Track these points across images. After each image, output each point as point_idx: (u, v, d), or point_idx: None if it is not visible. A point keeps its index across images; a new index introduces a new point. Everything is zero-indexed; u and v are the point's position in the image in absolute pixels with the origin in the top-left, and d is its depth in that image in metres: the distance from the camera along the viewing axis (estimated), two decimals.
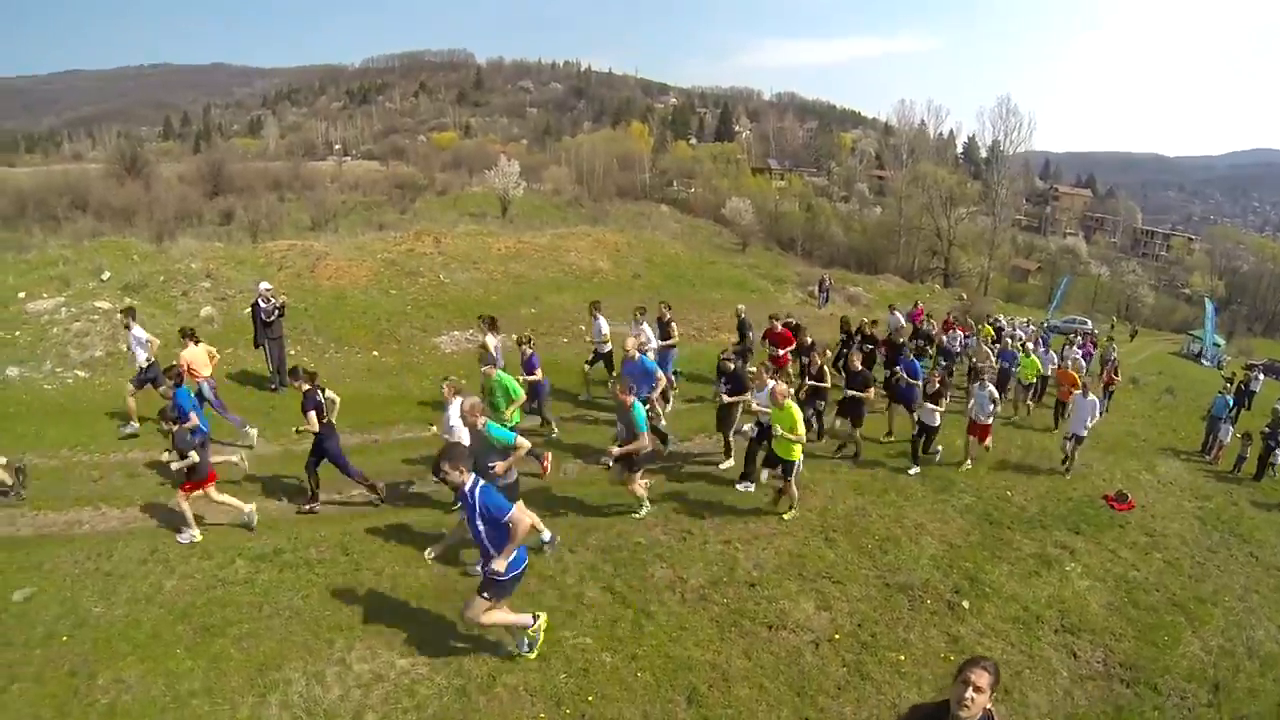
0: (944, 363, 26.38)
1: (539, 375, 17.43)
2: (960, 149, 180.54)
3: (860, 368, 18.28)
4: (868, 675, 10.28)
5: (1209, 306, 68.52)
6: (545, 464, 14.23)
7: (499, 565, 8.93)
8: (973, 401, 18.91)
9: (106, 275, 29.59)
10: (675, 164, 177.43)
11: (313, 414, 13.20)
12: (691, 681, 9.85)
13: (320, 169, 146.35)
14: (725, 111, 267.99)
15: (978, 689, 5.74)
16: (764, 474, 15.16)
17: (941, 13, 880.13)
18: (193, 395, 14.07)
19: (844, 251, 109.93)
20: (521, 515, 8.96)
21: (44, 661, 9.47)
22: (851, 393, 18.04)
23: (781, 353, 21.56)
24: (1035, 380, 24.90)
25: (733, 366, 16.37)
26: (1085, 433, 18.88)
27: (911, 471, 17.65)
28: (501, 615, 9.52)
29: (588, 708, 9.25)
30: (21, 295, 27.83)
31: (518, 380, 15.00)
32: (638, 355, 16.49)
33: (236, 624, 10.33)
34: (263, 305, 20.78)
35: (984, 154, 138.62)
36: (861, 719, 9.58)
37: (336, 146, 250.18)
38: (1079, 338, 35.22)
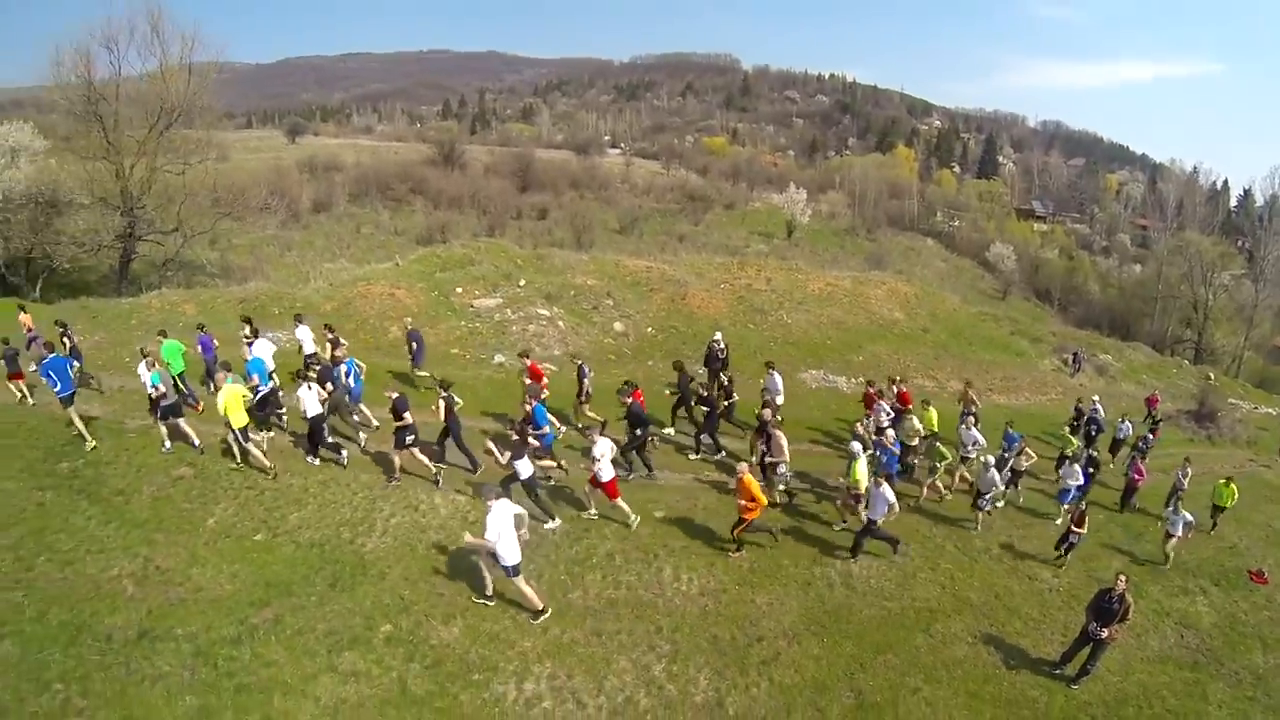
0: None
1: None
2: (1235, 202, 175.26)
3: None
4: (1073, 607, 18.58)
5: None
6: None
7: None
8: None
9: (523, 282, 38.79)
10: (940, 194, 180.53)
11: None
12: (998, 591, 19.39)
13: (608, 167, 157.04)
14: (990, 140, 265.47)
15: (1121, 578, 15.87)
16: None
17: (1222, 34, 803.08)
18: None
19: (1098, 310, 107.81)
20: None
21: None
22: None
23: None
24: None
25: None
26: None
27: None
28: None
29: (957, 589, 18.99)
30: (459, 290, 37.61)
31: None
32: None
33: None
34: (716, 348, 28.82)
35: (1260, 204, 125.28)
36: (1072, 621, 17.74)
37: (606, 138, 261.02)
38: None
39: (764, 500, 18.36)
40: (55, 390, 20.48)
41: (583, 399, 25.29)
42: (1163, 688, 16.67)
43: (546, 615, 15.99)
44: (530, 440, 19.73)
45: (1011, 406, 36.12)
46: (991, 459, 22.48)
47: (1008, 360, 42.96)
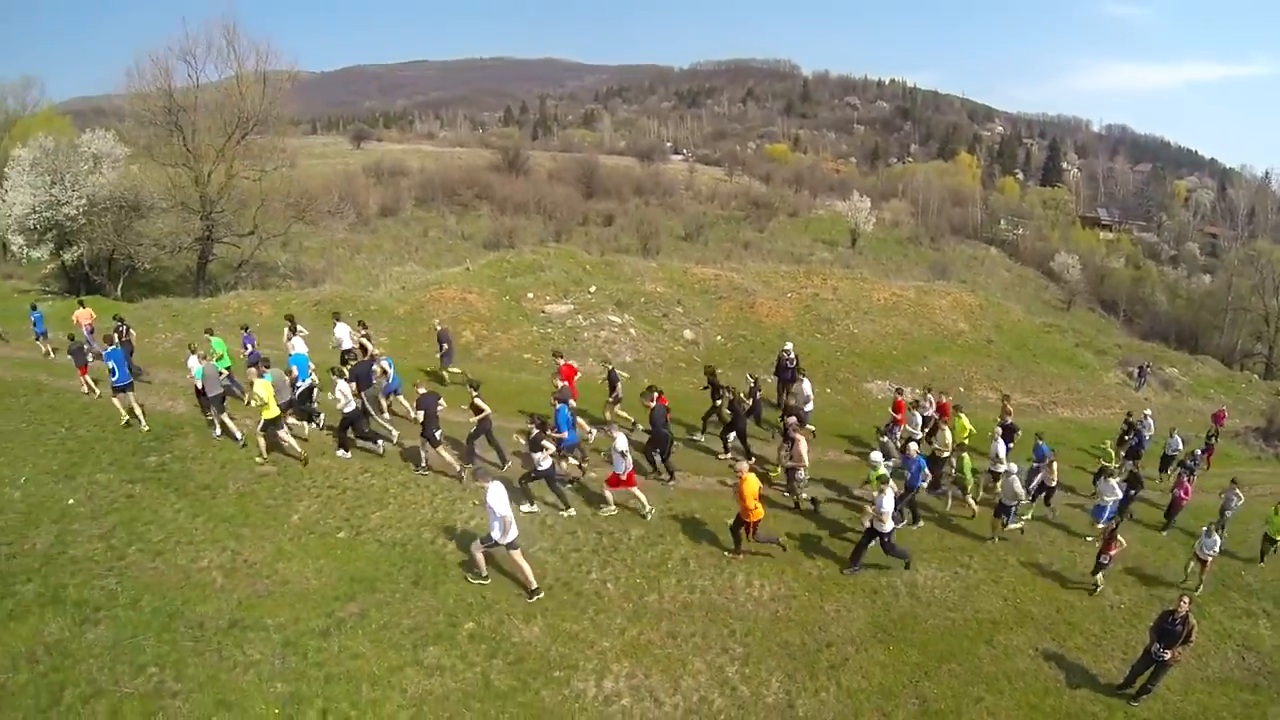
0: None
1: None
2: None
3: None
4: (1135, 625, 18.71)
5: None
6: None
7: None
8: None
9: (593, 288, 39.55)
10: (1003, 202, 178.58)
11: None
12: (1059, 605, 19.44)
13: (671, 174, 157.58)
14: (1054, 146, 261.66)
15: (1184, 600, 15.79)
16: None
17: None
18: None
19: (1165, 322, 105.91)
20: None
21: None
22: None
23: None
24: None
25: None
26: None
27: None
28: None
29: (1019, 602, 19.21)
30: (530, 296, 38.31)
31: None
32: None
33: None
34: (785, 358, 29.49)
35: None
36: (1133, 639, 17.84)
37: (668, 144, 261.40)
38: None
39: (760, 504, 18.49)
40: (112, 380, 22.31)
41: (613, 400, 25.94)
42: (1222, 709, 16.75)
43: (487, 581, 17.12)
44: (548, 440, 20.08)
45: (1076, 420, 36.28)
46: (1014, 467, 22.08)
47: (1072, 373, 42.76)
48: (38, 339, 30.62)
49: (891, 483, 19.28)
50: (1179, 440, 30.87)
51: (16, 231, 48.79)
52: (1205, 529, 20.94)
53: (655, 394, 22.61)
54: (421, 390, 21.13)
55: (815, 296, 42.79)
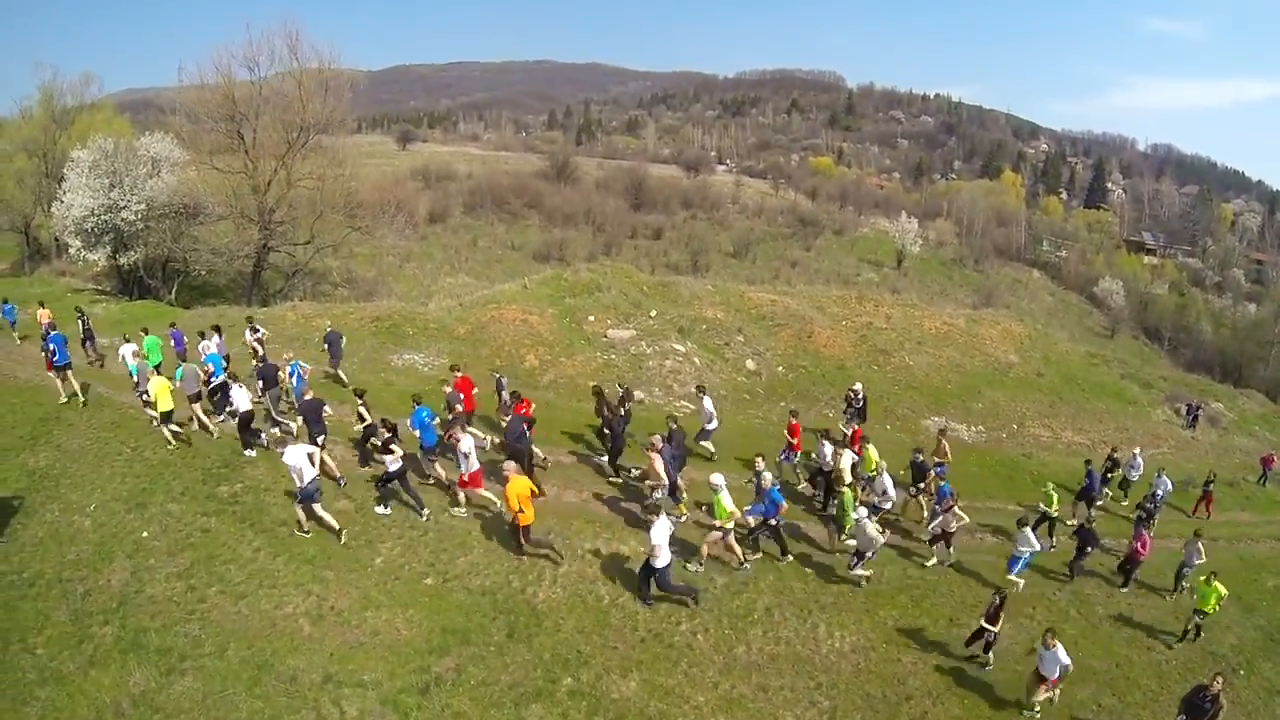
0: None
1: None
2: None
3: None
4: (1189, 681, 18.49)
5: None
6: None
7: None
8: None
9: (654, 313, 39.28)
10: (1047, 224, 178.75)
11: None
12: (1118, 660, 19.81)
13: (718, 186, 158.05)
14: (1099, 165, 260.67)
15: (1217, 679, 15.86)
16: None
17: None
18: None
19: (1209, 352, 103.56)
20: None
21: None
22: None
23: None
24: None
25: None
26: None
27: None
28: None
29: (1080, 656, 18.32)
30: (591, 319, 38.11)
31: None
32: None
33: None
34: (853, 398, 30.14)
35: None
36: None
37: (712, 154, 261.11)
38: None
39: (530, 508, 18.38)
40: (54, 360, 25.10)
41: (501, 410, 25.89)
42: None
43: (308, 535, 19.20)
44: (395, 446, 20.33)
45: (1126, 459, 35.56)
46: (865, 511, 20.53)
47: (1120, 409, 42.06)
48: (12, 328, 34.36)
49: (665, 512, 18.53)
50: (1167, 482, 28.47)
51: (74, 234, 49.52)
52: (1044, 638, 16.82)
53: (518, 401, 22.87)
54: (308, 397, 22.65)
55: (869, 325, 42.60)
